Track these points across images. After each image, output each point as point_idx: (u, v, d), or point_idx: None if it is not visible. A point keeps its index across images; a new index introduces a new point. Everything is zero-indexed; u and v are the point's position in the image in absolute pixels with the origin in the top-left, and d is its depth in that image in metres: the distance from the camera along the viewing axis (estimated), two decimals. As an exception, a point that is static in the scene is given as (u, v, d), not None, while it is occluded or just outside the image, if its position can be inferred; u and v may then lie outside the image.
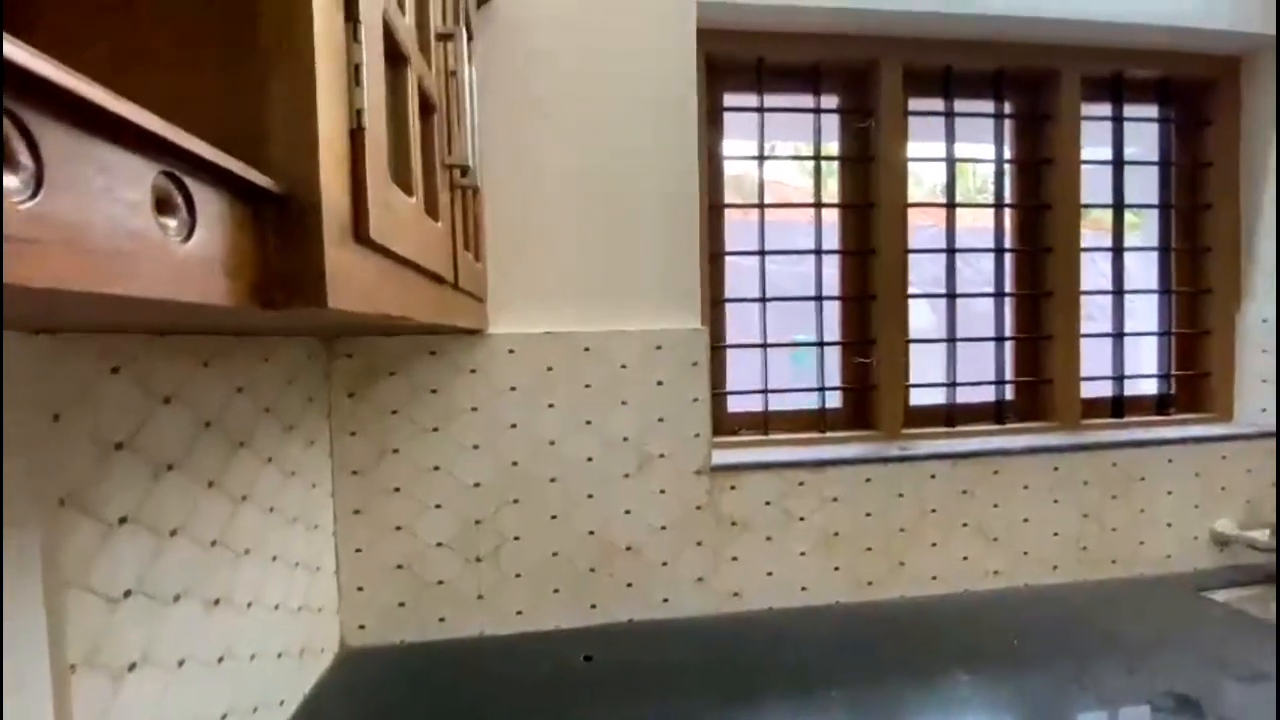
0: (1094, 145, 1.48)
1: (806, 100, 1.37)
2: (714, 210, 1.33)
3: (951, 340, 1.42)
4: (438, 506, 1.10)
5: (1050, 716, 0.90)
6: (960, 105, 1.41)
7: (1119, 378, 1.48)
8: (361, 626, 1.09)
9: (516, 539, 1.12)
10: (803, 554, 1.22)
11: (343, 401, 1.07)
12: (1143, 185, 1.53)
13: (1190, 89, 1.50)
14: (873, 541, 1.24)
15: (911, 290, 1.40)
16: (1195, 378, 1.52)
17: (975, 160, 1.45)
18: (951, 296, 1.41)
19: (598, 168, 1.13)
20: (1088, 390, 1.46)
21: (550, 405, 1.12)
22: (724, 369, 1.35)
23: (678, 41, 1.15)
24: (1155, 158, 1.52)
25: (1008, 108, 1.45)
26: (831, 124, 1.40)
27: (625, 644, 1.10)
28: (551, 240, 1.13)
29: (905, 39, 1.33)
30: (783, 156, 1.40)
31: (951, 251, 1.41)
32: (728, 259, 1.35)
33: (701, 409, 1.17)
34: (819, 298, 1.38)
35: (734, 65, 1.33)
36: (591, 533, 1.14)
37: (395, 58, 0.55)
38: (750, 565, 1.20)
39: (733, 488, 1.19)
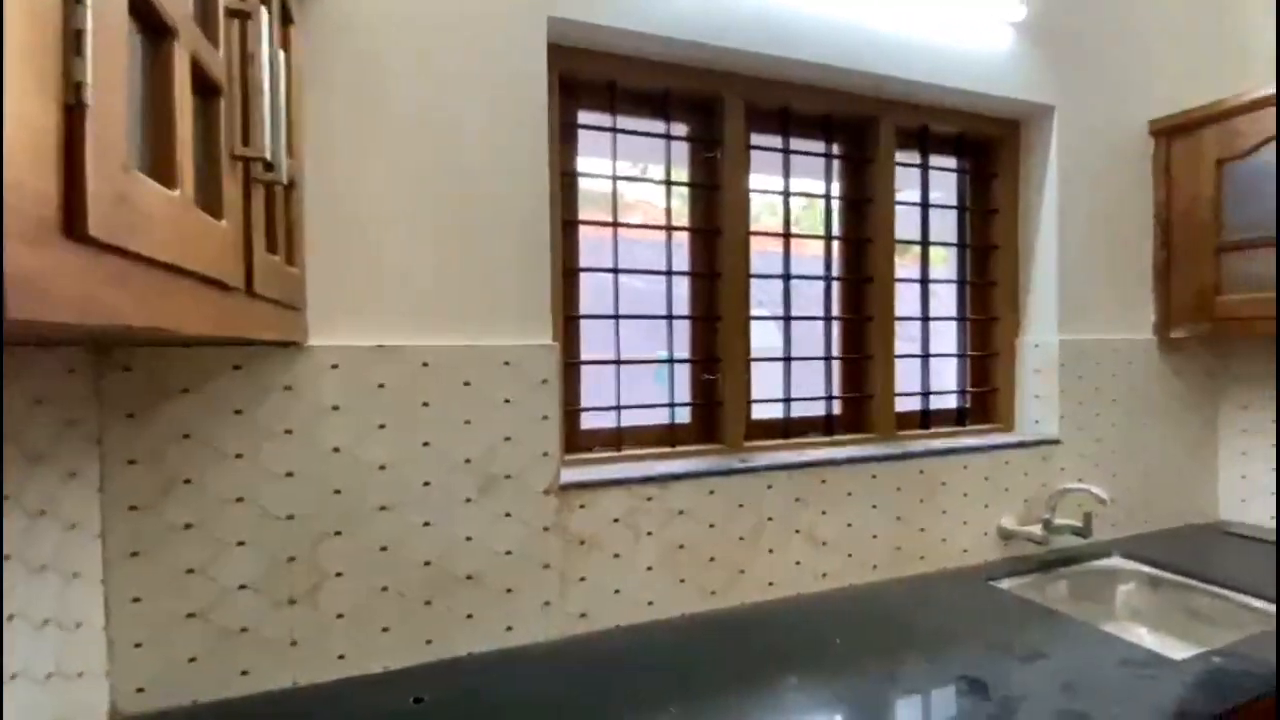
0: (913, 188, 1.68)
1: (658, 126, 1.41)
2: (570, 226, 1.32)
3: (788, 359, 1.52)
4: (240, 544, 0.97)
5: (864, 712, 0.97)
6: (798, 143, 1.53)
7: (926, 393, 1.67)
8: (140, 690, 0.93)
9: (339, 575, 1.02)
10: (650, 569, 1.23)
11: (118, 424, 0.91)
12: (949, 226, 1.76)
13: (981, 145, 1.75)
14: (716, 552, 1.28)
15: (758, 311, 1.49)
16: (985, 394, 1.76)
17: (810, 195, 1.57)
18: (787, 319, 1.52)
19: (442, 170, 1.08)
20: (902, 404, 1.64)
21: (381, 426, 1.04)
22: (578, 385, 1.34)
23: (528, 44, 1.13)
24: (955, 202, 1.75)
25: (836, 149, 1.60)
26: (683, 150, 1.46)
27: (462, 679, 1.03)
28: (387, 245, 1.05)
29: (747, 77, 1.42)
30: (634, 178, 1.42)
31: (787, 278, 1.52)
32: (595, 276, 1.34)
33: (551, 427, 1.15)
34: (669, 316, 1.42)
35: (588, 85, 1.34)
36: (428, 563, 1.07)
37: (155, 29, 0.48)
38: (598, 585, 1.19)
39: (582, 506, 1.18)
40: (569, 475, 1.19)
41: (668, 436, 1.43)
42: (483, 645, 1.10)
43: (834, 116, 1.55)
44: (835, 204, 1.60)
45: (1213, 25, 1.88)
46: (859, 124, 1.59)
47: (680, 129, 1.45)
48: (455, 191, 1.09)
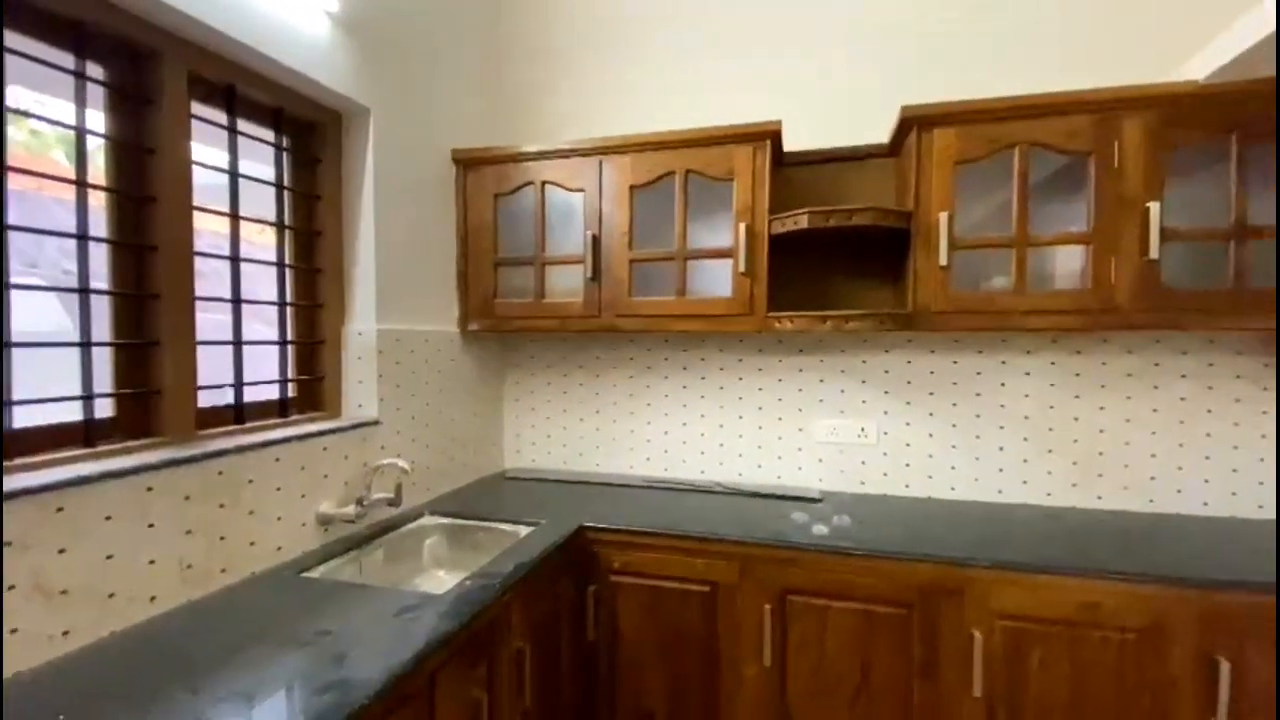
0: (223, 150, 1.45)
1: None
2: None
3: (3, 346, 1.06)
4: None
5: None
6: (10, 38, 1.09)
7: (239, 385, 1.51)
8: None
9: None
10: None
11: None
12: (271, 202, 1.62)
13: (303, 126, 1.69)
14: None
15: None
16: (312, 381, 1.74)
17: (40, 118, 1.14)
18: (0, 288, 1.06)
19: None
20: (211, 399, 1.42)
21: None
22: None
23: None
24: (273, 178, 1.63)
25: (100, 71, 1.23)
26: None
27: None
28: None
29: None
30: None
31: (-1, 228, 1.06)
32: None
33: None
34: None
35: None
36: None
37: None
38: None
39: None
40: None
41: None
42: None
43: (86, 23, 1.18)
44: (102, 143, 1.23)
45: (499, 84, 2.42)
46: (133, 50, 1.26)
47: None
48: None
